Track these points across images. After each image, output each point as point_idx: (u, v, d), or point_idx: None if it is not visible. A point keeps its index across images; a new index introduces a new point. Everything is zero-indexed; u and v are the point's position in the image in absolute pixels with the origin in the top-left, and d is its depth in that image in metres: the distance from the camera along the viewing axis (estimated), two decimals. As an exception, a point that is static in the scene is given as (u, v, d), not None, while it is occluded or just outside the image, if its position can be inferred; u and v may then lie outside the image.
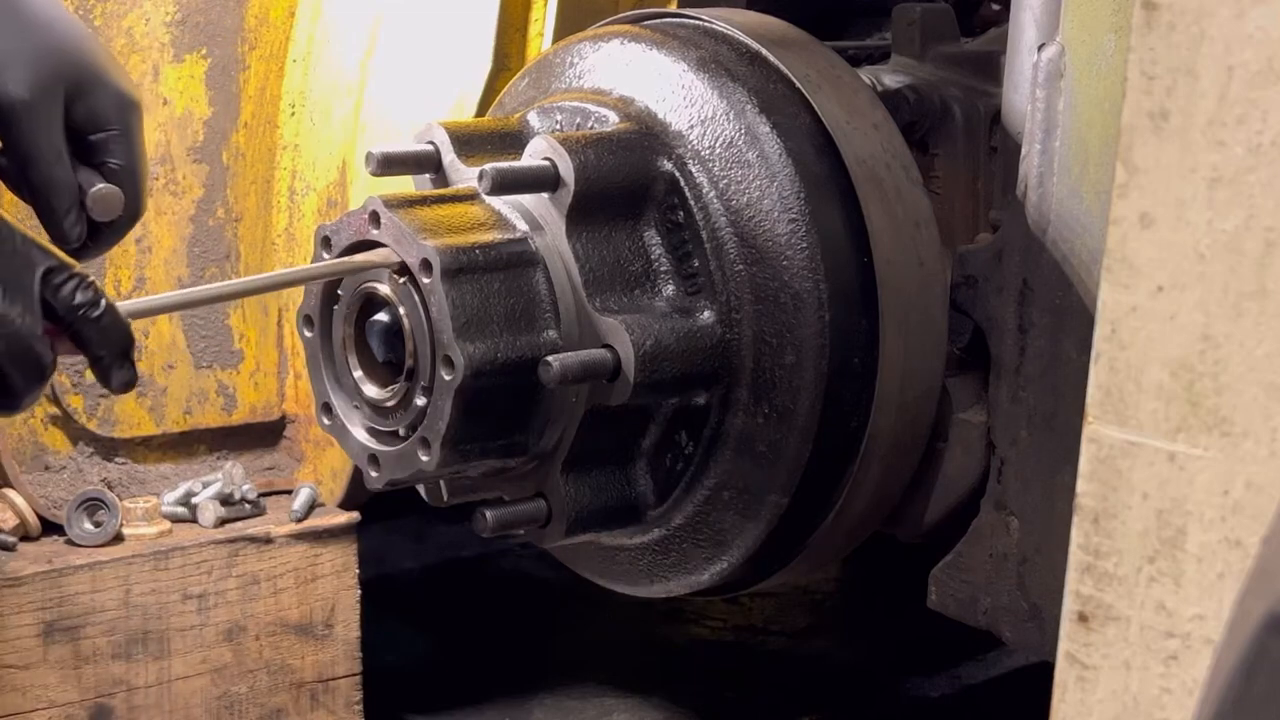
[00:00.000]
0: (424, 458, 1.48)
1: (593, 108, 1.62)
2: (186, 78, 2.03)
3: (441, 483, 1.60)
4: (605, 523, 1.60)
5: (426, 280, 1.46)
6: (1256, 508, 0.99)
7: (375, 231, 1.51)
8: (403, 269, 1.49)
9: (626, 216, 1.56)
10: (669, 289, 1.56)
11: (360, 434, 1.57)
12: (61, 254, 1.25)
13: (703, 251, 1.55)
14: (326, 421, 1.58)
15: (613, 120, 1.59)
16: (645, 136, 1.57)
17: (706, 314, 1.55)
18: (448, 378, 1.45)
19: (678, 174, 1.56)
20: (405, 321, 1.50)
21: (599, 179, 1.53)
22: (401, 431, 1.54)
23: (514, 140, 1.63)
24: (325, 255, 1.55)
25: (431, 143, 1.62)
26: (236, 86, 2.06)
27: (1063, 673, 1.11)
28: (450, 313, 1.45)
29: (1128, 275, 1.05)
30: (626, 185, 1.55)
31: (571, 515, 1.55)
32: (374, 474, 1.54)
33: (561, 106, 1.64)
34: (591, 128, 1.60)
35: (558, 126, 1.63)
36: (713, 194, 1.55)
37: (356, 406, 1.58)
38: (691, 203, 1.56)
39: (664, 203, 1.57)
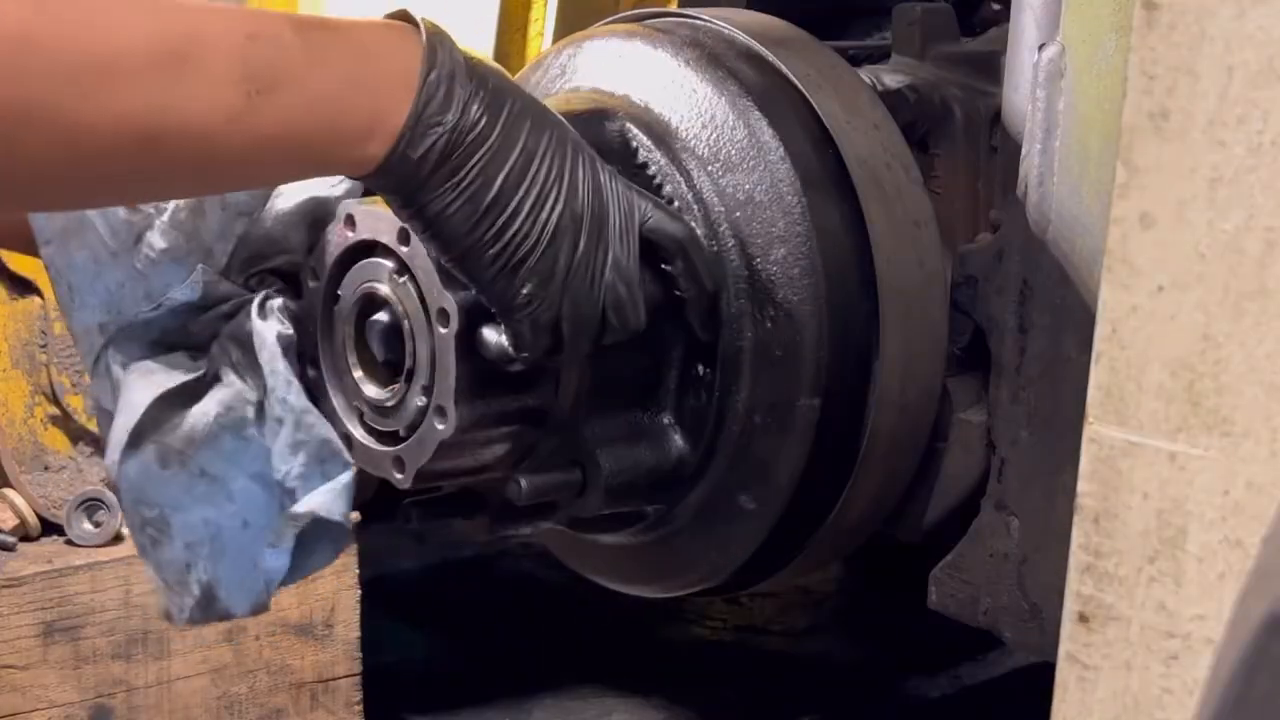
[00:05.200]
0: (440, 426, 1.45)
1: None
2: (186, 78, 2.03)
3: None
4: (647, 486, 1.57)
5: (405, 249, 1.43)
6: (1257, 508, 1.00)
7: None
8: (402, 268, 1.49)
9: None
10: None
11: (359, 434, 1.56)
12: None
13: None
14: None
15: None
16: (675, 177, 1.57)
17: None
18: (444, 330, 1.43)
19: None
20: (405, 322, 1.50)
21: None
22: (402, 432, 1.53)
23: None
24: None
25: None
26: (236, 86, 2.06)
27: (1063, 673, 1.11)
28: (435, 268, 1.42)
29: (1128, 275, 1.05)
30: None
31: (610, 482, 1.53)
32: (399, 475, 1.51)
33: (564, 106, 1.64)
34: None
35: None
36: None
37: (356, 407, 1.58)
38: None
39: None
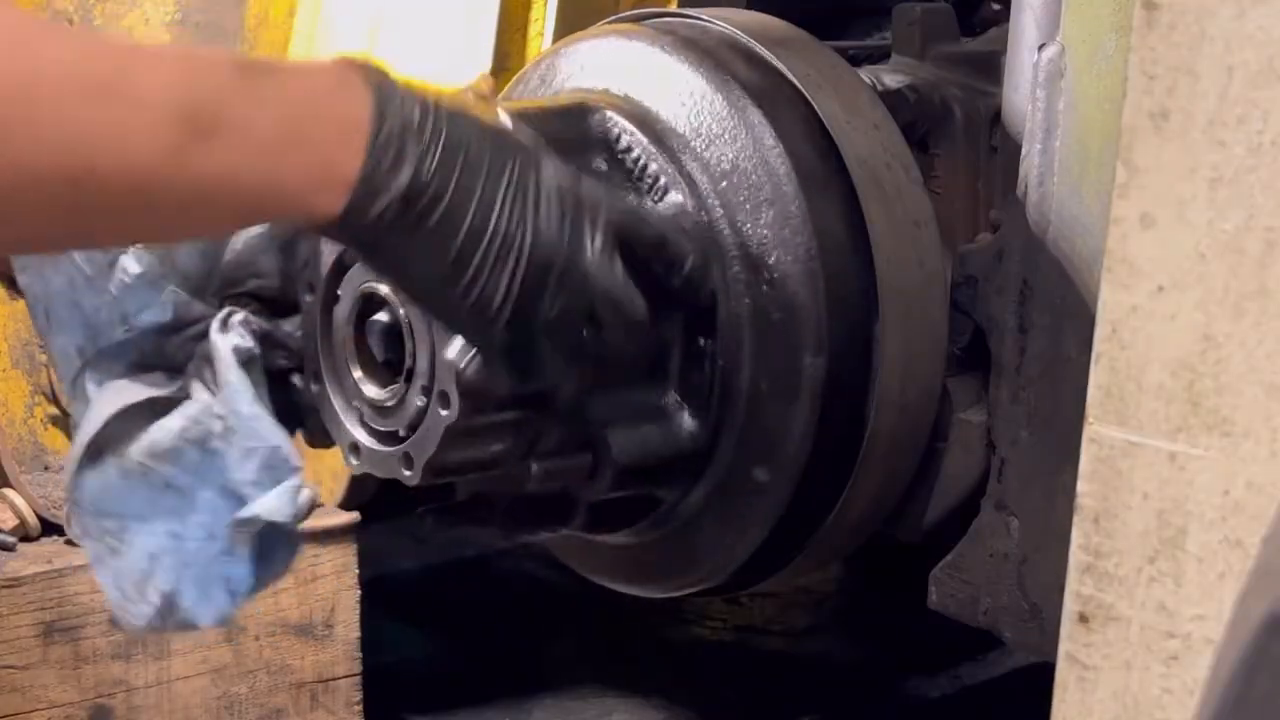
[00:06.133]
0: (444, 412, 1.43)
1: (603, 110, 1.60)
2: (186, 78, 2.03)
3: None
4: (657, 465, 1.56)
5: None
6: (1257, 508, 1.00)
7: None
8: None
9: None
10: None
11: (361, 437, 1.56)
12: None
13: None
14: (354, 462, 1.56)
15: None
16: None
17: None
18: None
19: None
20: (405, 322, 1.49)
21: None
22: (402, 432, 1.53)
23: None
24: None
25: None
26: (236, 86, 2.06)
27: (1063, 673, 1.11)
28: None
29: (1128, 275, 1.05)
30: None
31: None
32: (408, 472, 1.51)
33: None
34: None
35: None
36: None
37: (356, 408, 1.57)
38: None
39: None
